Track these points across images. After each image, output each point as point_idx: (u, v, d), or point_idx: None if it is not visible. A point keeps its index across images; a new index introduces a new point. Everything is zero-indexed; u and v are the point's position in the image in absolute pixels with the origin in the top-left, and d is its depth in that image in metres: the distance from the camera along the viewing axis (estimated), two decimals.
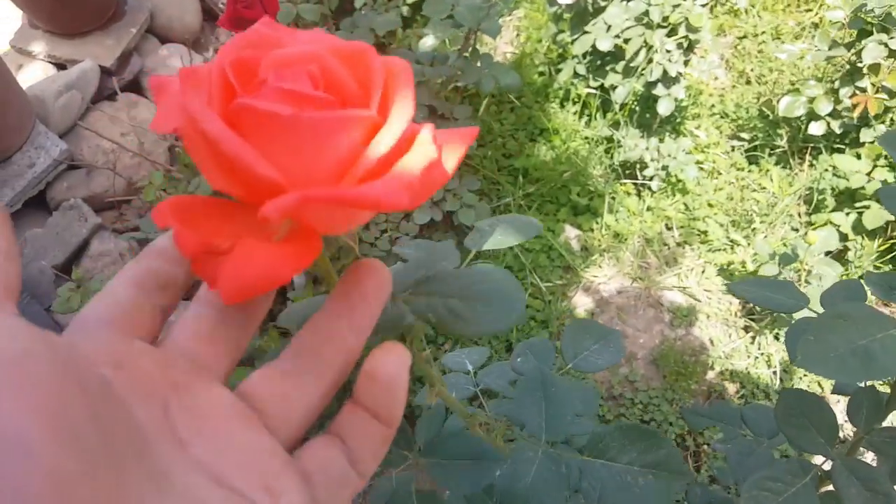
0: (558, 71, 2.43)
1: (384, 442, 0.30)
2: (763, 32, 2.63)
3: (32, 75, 2.28)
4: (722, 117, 2.44)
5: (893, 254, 1.93)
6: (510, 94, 2.40)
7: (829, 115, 1.96)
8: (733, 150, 2.33)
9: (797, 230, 2.07)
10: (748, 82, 2.51)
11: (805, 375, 1.87)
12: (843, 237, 1.92)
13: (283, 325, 0.47)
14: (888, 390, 0.64)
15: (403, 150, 0.29)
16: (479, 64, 1.72)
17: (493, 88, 1.69)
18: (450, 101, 1.89)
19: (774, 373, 1.86)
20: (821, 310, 0.71)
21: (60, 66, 2.31)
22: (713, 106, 2.46)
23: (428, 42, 1.81)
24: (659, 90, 2.00)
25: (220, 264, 0.28)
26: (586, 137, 2.35)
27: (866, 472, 0.60)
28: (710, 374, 1.87)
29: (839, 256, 1.96)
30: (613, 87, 2.14)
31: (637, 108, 2.27)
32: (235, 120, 0.28)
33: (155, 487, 0.22)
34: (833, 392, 0.76)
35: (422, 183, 0.28)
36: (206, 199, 0.30)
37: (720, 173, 2.27)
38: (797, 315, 0.75)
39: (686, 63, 1.99)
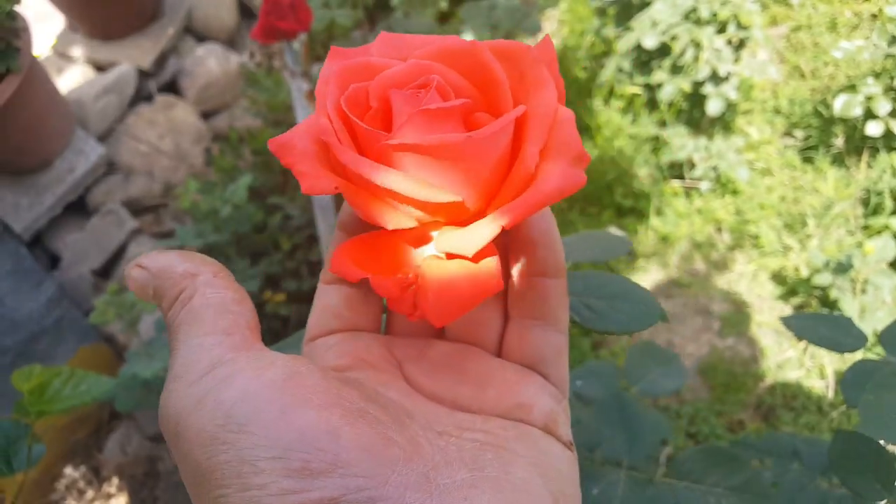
0: (602, 66, 2.35)
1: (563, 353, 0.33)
2: (818, 24, 2.51)
3: (72, 79, 2.29)
4: (775, 114, 2.34)
5: None
6: None
7: (889, 114, 1.85)
8: (786, 148, 2.23)
9: (853, 234, 1.97)
10: (802, 76, 2.40)
11: None
12: None
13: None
14: None
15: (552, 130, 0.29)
16: None
17: None
18: None
19: (827, 386, 1.77)
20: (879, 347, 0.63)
21: (100, 69, 2.32)
22: (765, 101, 2.36)
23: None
24: (708, 89, 1.91)
25: (416, 295, 0.30)
26: (632, 136, 2.27)
27: None
28: (761, 386, 1.79)
29: None
30: (659, 86, 2.05)
31: (685, 106, 2.18)
32: (387, 158, 0.29)
33: (427, 434, 0.27)
34: None
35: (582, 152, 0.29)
36: (363, 238, 0.32)
37: (773, 173, 2.18)
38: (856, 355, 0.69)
39: (736, 61, 1.90)
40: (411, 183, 0.27)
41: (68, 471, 2.02)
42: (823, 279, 1.68)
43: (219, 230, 1.70)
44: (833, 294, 1.70)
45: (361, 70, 0.31)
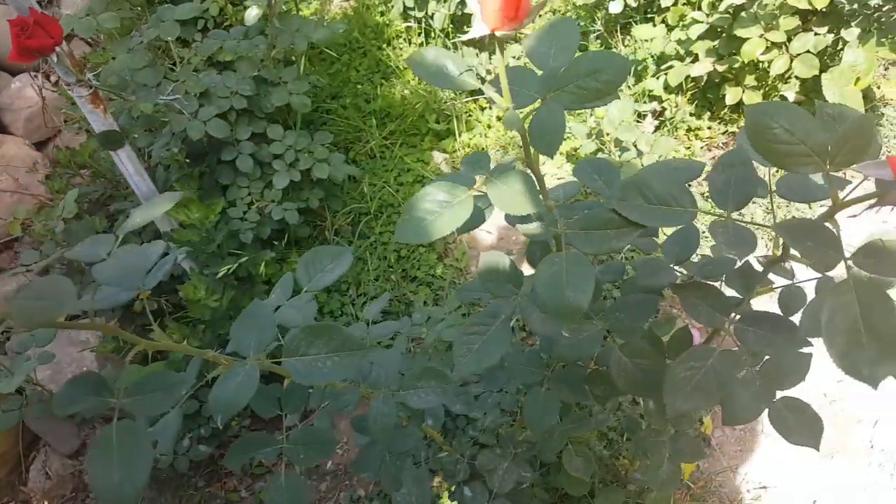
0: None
1: None
2: None
3: None
4: (553, 14, 2.57)
5: (698, 101, 2.12)
6: (322, 47, 2.49)
7: None
8: None
9: (638, 101, 2.24)
10: None
11: None
12: (659, 99, 2.09)
13: None
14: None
15: None
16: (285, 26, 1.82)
17: (306, 47, 1.80)
18: (283, 66, 1.98)
19: None
20: None
21: None
22: (544, 4, 2.59)
23: (252, 13, 1.90)
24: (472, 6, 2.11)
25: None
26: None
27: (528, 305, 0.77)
28: None
29: (661, 115, 2.14)
30: (433, 15, 2.25)
31: (468, 28, 2.38)
32: None
33: None
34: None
35: None
36: None
37: None
38: None
39: None
40: None
41: None
42: (591, 146, 1.94)
43: (59, 246, 1.82)
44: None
45: None
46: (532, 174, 0.75)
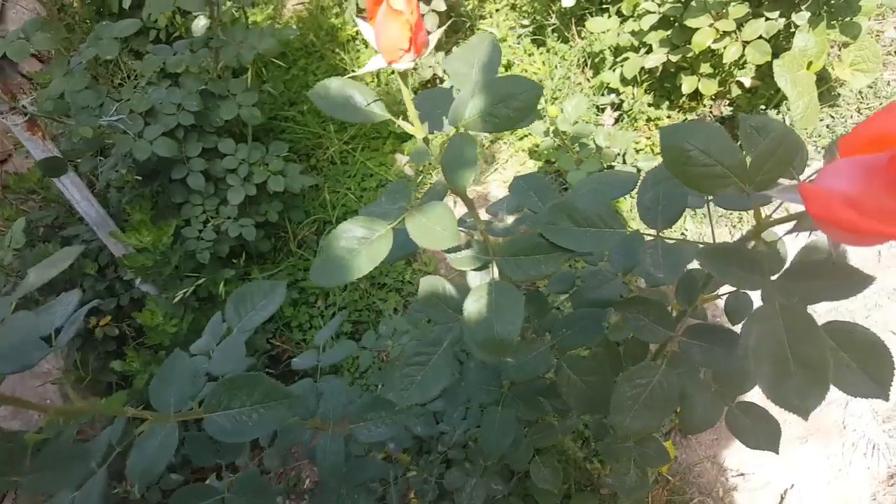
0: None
1: None
2: None
3: None
4: (512, 10, 2.54)
5: (656, 91, 2.10)
6: (271, 57, 2.43)
7: None
8: (520, 38, 2.44)
9: (590, 96, 2.22)
10: None
11: None
12: (617, 91, 2.07)
13: None
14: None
15: None
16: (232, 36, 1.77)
17: (253, 56, 1.75)
18: (233, 77, 1.94)
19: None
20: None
21: None
22: (501, 2, 2.56)
23: (200, 23, 1.85)
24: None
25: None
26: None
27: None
28: None
29: (620, 108, 2.12)
30: None
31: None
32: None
33: None
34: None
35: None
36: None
37: (515, 63, 2.39)
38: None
39: None
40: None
41: None
42: (547, 143, 1.91)
43: (10, 276, 1.77)
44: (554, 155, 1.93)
45: None
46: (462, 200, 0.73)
